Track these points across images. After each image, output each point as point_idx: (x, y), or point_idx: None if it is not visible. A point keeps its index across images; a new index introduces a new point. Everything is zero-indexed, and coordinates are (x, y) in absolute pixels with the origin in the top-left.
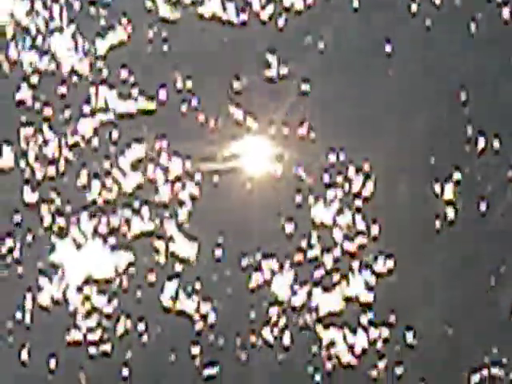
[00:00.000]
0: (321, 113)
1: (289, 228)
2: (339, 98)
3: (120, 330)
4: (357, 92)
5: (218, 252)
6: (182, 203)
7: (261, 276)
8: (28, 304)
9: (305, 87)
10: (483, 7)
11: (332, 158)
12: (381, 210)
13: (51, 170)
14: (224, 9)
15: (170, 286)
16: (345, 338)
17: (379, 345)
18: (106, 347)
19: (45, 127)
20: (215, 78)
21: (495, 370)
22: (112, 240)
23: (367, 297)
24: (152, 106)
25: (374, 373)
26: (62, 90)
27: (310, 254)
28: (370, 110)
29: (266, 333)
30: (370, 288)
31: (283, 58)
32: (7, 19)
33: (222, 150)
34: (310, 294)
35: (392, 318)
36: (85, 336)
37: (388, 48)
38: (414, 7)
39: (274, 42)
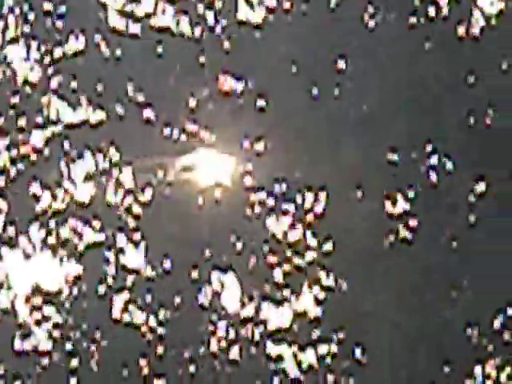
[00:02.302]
0: (276, 127)
1: (240, 241)
2: (295, 112)
3: (69, 340)
4: (313, 106)
5: (167, 264)
6: (132, 215)
7: (210, 289)
8: None
9: (260, 103)
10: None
11: (285, 172)
12: (333, 226)
13: (1, 180)
14: (177, 22)
15: (120, 298)
16: (293, 353)
17: (327, 361)
18: (55, 358)
19: None
20: (169, 90)
21: None
22: (62, 251)
23: (316, 312)
24: (103, 116)
25: None
26: (14, 99)
27: (261, 267)
28: (325, 124)
29: (214, 346)
30: (319, 303)
31: (238, 73)
32: None
33: (175, 162)
34: (258, 308)
35: (341, 335)
36: (34, 346)
37: (341, 64)
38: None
39: (229, 56)
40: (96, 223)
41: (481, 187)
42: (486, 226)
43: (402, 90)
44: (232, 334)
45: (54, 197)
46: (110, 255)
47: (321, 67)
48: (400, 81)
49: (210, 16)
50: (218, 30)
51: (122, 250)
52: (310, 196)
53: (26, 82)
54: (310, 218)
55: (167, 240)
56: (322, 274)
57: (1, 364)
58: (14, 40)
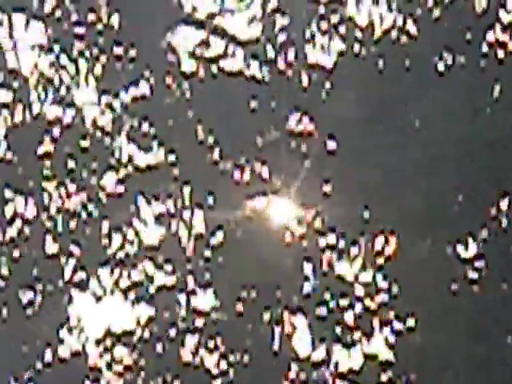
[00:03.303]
0: (344, 171)
1: (311, 284)
2: (363, 156)
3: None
4: (381, 150)
5: (239, 306)
6: (203, 257)
7: (281, 331)
8: (47, 356)
9: (331, 144)
10: None
11: (354, 215)
12: (402, 269)
13: (72, 223)
14: (248, 65)
15: (191, 341)
16: None
17: None
18: None
19: (67, 180)
20: (237, 132)
21: None
22: (132, 294)
23: (387, 355)
24: (173, 158)
25: None
26: (85, 143)
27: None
28: (394, 168)
29: None
30: (390, 346)
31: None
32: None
33: (246, 205)
34: (329, 351)
35: (412, 378)
36: None
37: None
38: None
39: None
40: (167, 266)
41: None
42: None
43: (473, 135)
44: (303, 377)
45: (125, 240)
46: (182, 297)
47: (391, 112)
48: (471, 126)
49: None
50: (288, 72)
51: (193, 292)
52: (380, 239)
53: (95, 124)
54: (380, 260)
55: (238, 282)
56: (393, 316)
57: None
58: (85, 84)
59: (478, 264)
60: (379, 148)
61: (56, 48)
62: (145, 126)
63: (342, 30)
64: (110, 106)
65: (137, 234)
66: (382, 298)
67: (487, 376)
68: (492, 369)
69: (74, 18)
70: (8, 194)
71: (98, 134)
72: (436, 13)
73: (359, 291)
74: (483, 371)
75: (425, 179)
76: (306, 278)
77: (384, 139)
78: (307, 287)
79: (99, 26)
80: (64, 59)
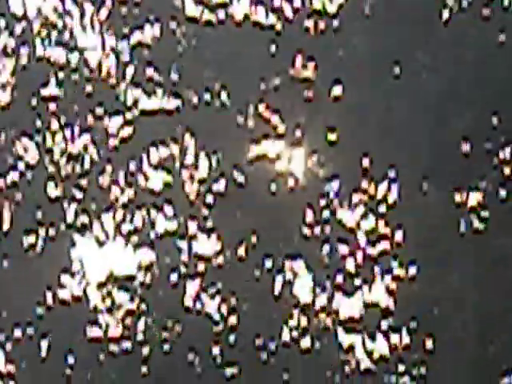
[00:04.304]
0: (348, 117)
1: (312, 231)
2: (367, 102)
3: (140, 327)
4: (386, 97)
5: (241, 252)
6: (205, 202)
7: (283, 278)
8: (49, 299)
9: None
10: None
11: (357, 162)
12: (405, 216)
13: (76, 167)
14: (254, 10)
15: (192, 286)
16: (364, 343)
17: (399, 351)
18: (126, 345)
19: (71, 124)
20: (243, 77)
21: None
22: (135, 238)
23: (388, 302)
24: (178, 103)
25: (393, 379)
26: (88, 88)
27: (333, 257)
28: (398, 115)
29: (286, 335)
30: (391, 294)
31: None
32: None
33: (249, 150)
34: (330, 298)
35: (413, 325)
36: (105, 333)
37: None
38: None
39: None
40: (169, 211)
41: None
42: None
43: (477, 82)
44: (304, 323)
45: (128, 185)
46: (183, 243)
47: (391, 60)
48: (475, 73)
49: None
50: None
51: (194, 237)
52: (383, 186)
53: (99, 69)
54: (382, 208)
55: (240, 228)
56: (394, 264)
57: (73, 351)
58: (90, 27)
59: (482, 212)
60: (384, 94)
61: None
62: (149, 71)
63: None
64: (114, 51)
65: (141, 178)
66: (384, 245)
67: (492, 325)
68: (497, 318)
69: None
70: (11, 137)
71: (103, 78)
72: None
73: (361, 238)
74: (486, 317)
75: (430, 126)
76: (309, 225)
77: (390, 85)
78: (309, 234)
79: None
80: (68, 3)
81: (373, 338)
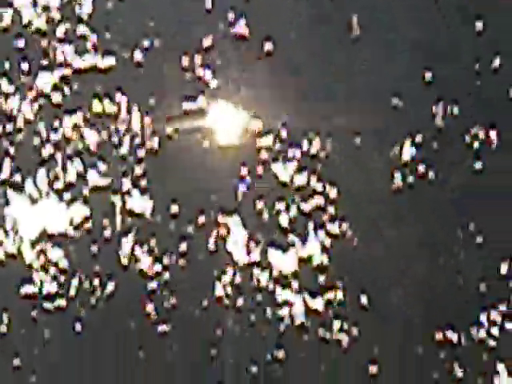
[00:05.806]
0: (284, 74)
1: (246, 186)
2: (303, 60)
3: (74, 284)
4: (320, 53)
5: (174, 208)
6: (139, 159)
7: (216, 233)
8: None
9: (269, 46)
10: None
11: (291, 117)
12: (338, 172)
13: (9, 125)
14: None
15: (125, 242)
16: (298, 299)
17: (333, 307)
18: (61, 302)
19: (3, 82)
20: (178, 36)
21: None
22: (67, 194)
23: (322, 259)
24: (113, 61)
25: (328, 334)
26: (20, 43)
27: (267, 214)
28: (334, 71)
29: (220, 290)
30: (324, 250)
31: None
32: None
33: (181, 108)
34: (265, 254)
35: (346, 280)
36: (39, 290)
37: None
38: None
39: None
40: (102, 167)
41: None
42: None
43: (411, 33)
44: (237, 280)
45: (61, 141)
46: (116, 198)
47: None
48: (409, 23)
49: None
50: None
51: (127, 193)
52: (316, 142)
53: (30, 25)
54: (315, 163)
55: (173, 184)
56: (328, 220)
57: (7, 309)
58: None
59: (418, 167)
60: (316, 50)
61: None
62: (81, 28)
63: None
64: (46, 8)
65: (73, 134)
66: (318, 200)
67: (427, 281)
68: (432, 272)
69: None
70: None
71: (33, 34)
72: None
73: (295, 194)
74: (419, 274)
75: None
76: (242, 181)
77: (322, 40)
78: (242, 189)
79: None
80: None
81: (308, 293)
